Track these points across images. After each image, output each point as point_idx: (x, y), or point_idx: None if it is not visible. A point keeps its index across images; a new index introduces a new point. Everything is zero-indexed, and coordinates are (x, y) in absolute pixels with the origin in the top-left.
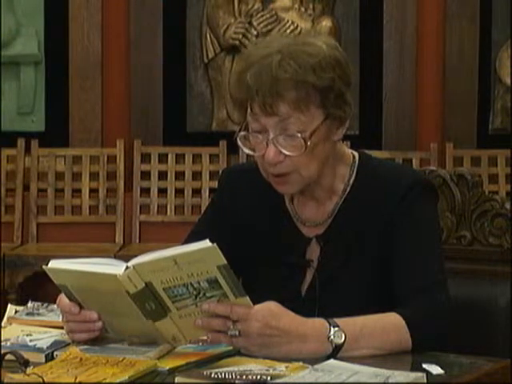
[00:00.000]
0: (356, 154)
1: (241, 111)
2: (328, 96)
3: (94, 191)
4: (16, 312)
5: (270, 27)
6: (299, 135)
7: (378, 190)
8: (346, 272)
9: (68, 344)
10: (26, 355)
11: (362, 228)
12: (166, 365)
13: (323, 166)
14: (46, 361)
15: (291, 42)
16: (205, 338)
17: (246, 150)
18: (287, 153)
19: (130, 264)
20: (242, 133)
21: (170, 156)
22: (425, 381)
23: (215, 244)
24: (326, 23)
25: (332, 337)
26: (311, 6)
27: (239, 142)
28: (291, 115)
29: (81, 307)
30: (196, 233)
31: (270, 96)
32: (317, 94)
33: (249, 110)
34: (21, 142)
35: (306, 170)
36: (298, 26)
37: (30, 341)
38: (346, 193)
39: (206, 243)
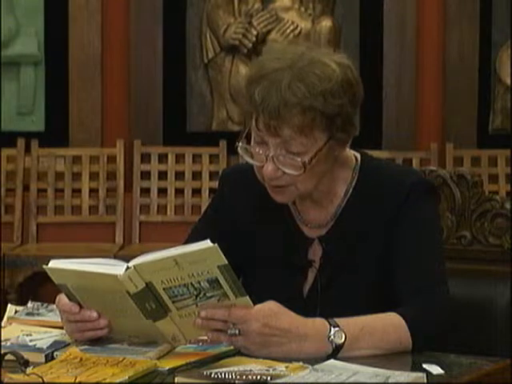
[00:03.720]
0: (358, 156)
1: (246, 118)
2: (335, 121)
3: (93, 191)
4: (16, 312)
5: (269, 27)
6: (299, 159)
7: (379, 191)
8: (347, 273)
9: (68, 344)
10: (26, 355)
11: (364, 229)
12: (166, 365)
13: (320, 179)
14: (46, 361)
15: (304, 55)
16: (205, 338)
17: (247, 159)
18: (286, 171)
19: (130, 264)
20: (243, 145)
21: (169, 156)
22: (425, 381)
23: (216, 244)
24: (326, 23)
25: (332, 337)
26: (311, 6)
27: (240, 152)
28: (294, 138)
29: (81, 307)
30: (196, 233)
31: (275, 119)
32: (323, 119)
33: (253, 122)
34: (21, 142)
35: (302, 186)
36: (298, 25)
37: (30, 341)
38: (349, 195)
39: (207, 243)
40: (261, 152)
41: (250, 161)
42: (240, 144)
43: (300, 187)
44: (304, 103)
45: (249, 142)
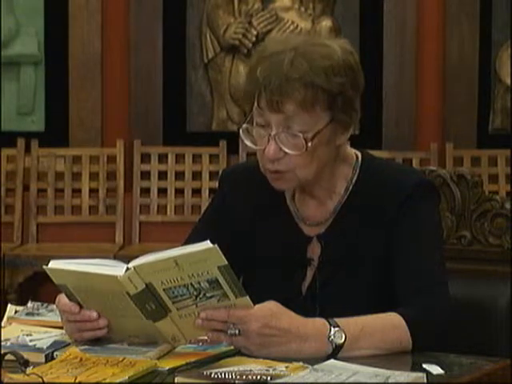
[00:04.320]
0: (359, 154)
1: (248, 103)
2: (336, 100)
3: (93, 191)
4: (16, 312)
5: (269, 27)
6: (301, 135)
7: (379, 189)
8: (346, 271)
9: (68, 344)
10: (26, 355)
11: (363, 227)
12: (166, 365)
13: (321, 169)
14: (46, 361)
15: (308, 41)
16: (205, 338)
17: (248, 143)
18: (287, 150)
19: (130, 265)
20: (245, 125)
21: (169, 156)
22: (425, 381)
23: (216, 245)
24: (326, 23)
25: (332, 337)
26: (311, 6)
27: (241, 134)
28: (296, 114)
29: (80, 307)
30: (196, 233)
31: (278, 94)
32: (325, 96)
33: (255, 103)
34: (21, 142)
35: (302, 171)
36: (298, 25)
37: (30, 341)
38: (348, 192)
39: (207, 244)
40: (263, 132)
41: (252, 145)
42: (243, 125)
43: (299, 173)
44: (306, 78)
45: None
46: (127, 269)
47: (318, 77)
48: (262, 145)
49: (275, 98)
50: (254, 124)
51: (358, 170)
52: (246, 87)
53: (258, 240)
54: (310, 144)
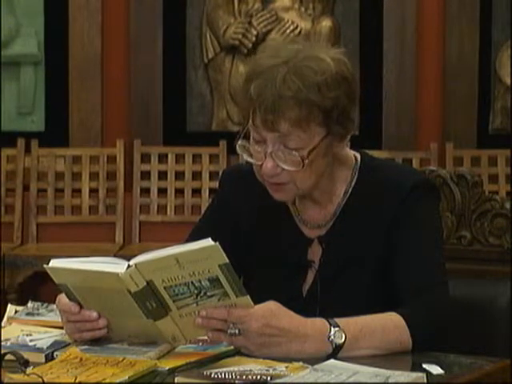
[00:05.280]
0: (358, 156)
1: (243, 116)
2: (331, 115)
3: (93, 191)
4: (16, 312)
5: (269, 27)
6: (297, 153)
7: (379, 190)
8: (347, 272)
9: (68, 344)
10: (26, 355)
11: (363, 229)
12: (166, 365)
13: (319, 178)
14: (46, 361)
15: (299, 53)
16: (205, 337)
17: (245, 157)
18: (285, 167)
19: (131, 262)
20: (241, 142)
21: (169, 156)
22: (425, 381)
23: (217, 242)
24: (326, 23)
25: (332, 337)
26: (311, 6)
27: (238, 150)
28: (291, 132)
29: (81, 307)
30: (197, 233)
31: (272, 113)
32: (320, 112)
33: (251, 120)
34: (21, 142)
35: (301, 183)
36: (297, 25)
37: (30, 341)
38: (348, 194)
39: (208, 241)
40: (259, 150)
41: (249, 159)
42: (239, 142)
43: (299, 185)
44: (299, 96)
45: (247, 142)
46: (128, 266)
47: (311, 93)
48: (259, 160)
49: (269, 118)
50: (251, 140)
51: (356, 172)
52: (241, 103)
53: (258, 241)
54: (306, 161)
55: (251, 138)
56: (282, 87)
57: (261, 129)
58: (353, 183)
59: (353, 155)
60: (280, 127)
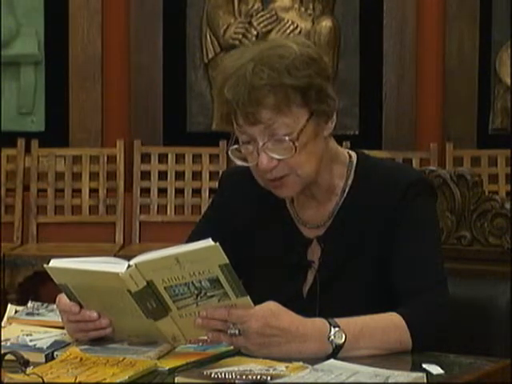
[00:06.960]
0: (353, 154)
1: (228, 125)
2: (308, 93)
3: (93, 191)
4: (16, 312)
5: (270, 27)
6: (287, 138)
7: (376, 189)
8: (346, 272)
9: (68, 344)
10: (26, 355)
11: (362, 228)
12: (166, 365)
13: (319, 163)
14: (46, 361)
15: (263, 48)
16: (205, 337)
17: (239, 163)
18: (279, 157)
19: (131, 262)
20: (233, 147)
21: (169, 156)
22: (425, 381)
23: (217, 243)
24: (326, 23)
25: (332, 337)
26: (311, 6)
27: (231, 156)
28: (275, 120)
29: (81, 307)
30: (197, 234)
31: (250, 105)
32: (296, 93)
33: (234, 123)
34: (21, 142)
35: (302, 170)
36: (297, 25)
37: (30, 341)
38: (346, 193)
39: (209, 242)
40: (251, 149)
41: (242, 163)
42: (230, 148)
43: (300, 173)
44: (272, 82)
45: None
46: (128, 266)
47: (282, 77)
48: (253, 160)
49: (249, 110)
50: (240, 143)
51: (352, 170)
52: (221, 111)
53: (257, 241)
54: (297, 144)
55: (240, 142)
56: (254, 78)
57: (245, 126)
58: (349, 182)
59: (346, 153)
60: (262, 117)
